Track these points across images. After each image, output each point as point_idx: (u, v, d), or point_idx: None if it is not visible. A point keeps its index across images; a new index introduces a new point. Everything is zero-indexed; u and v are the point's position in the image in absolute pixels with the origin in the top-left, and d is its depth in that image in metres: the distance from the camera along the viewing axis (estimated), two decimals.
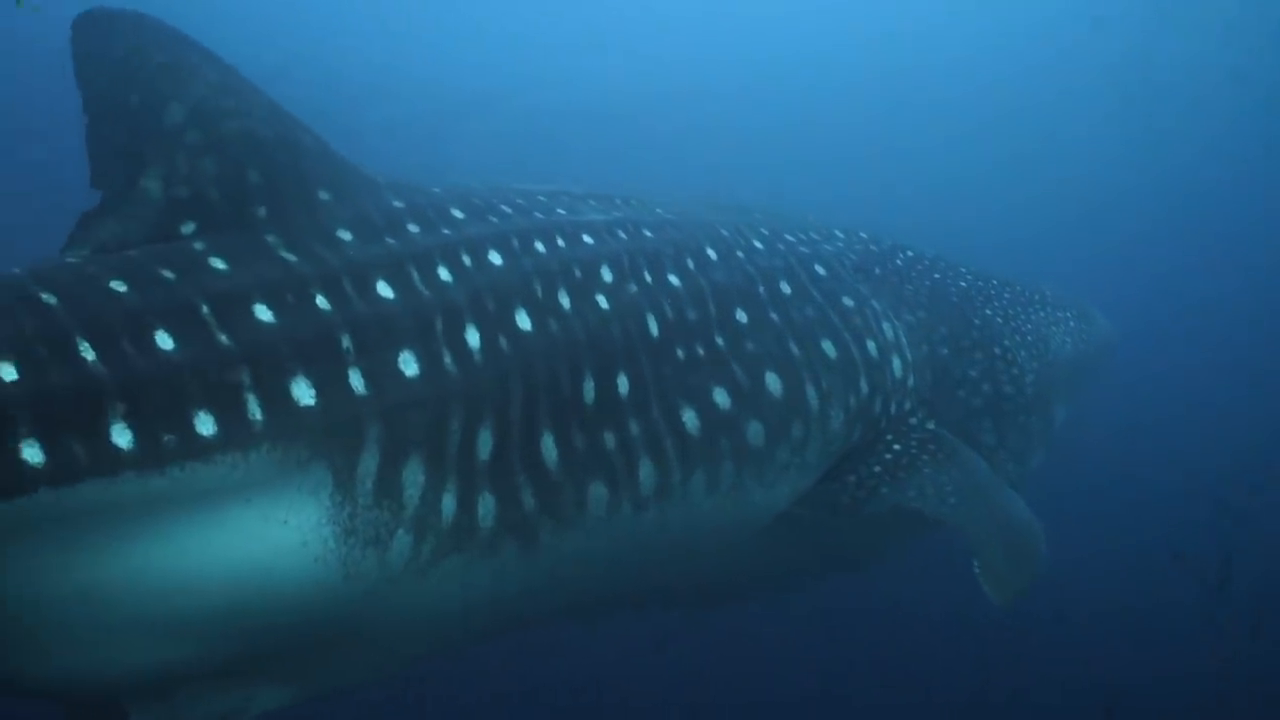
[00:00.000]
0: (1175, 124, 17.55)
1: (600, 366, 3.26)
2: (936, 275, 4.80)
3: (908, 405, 4.22)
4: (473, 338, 3.02)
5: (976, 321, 4.68)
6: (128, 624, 2.55)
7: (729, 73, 18.27)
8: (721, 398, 3.49)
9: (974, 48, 18.44)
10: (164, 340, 2.50)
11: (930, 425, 4.23)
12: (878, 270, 4.55)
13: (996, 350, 4.65)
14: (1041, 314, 5.19)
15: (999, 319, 4.84)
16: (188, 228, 2.83)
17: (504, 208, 3.45)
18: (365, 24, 15.98)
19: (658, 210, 3.99)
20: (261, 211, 2.91)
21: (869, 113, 18.08)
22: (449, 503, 2.89)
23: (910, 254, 4.84)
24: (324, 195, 3.04)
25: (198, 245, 2.78)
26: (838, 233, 4.66)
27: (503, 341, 3.06)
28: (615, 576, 3.50)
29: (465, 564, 2.96)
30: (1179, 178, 17.50)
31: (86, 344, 2.39)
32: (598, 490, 3.16)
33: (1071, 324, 5.38)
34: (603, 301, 3.37)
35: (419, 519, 2.84)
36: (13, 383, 2.25)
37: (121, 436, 2.35)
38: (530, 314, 3.18)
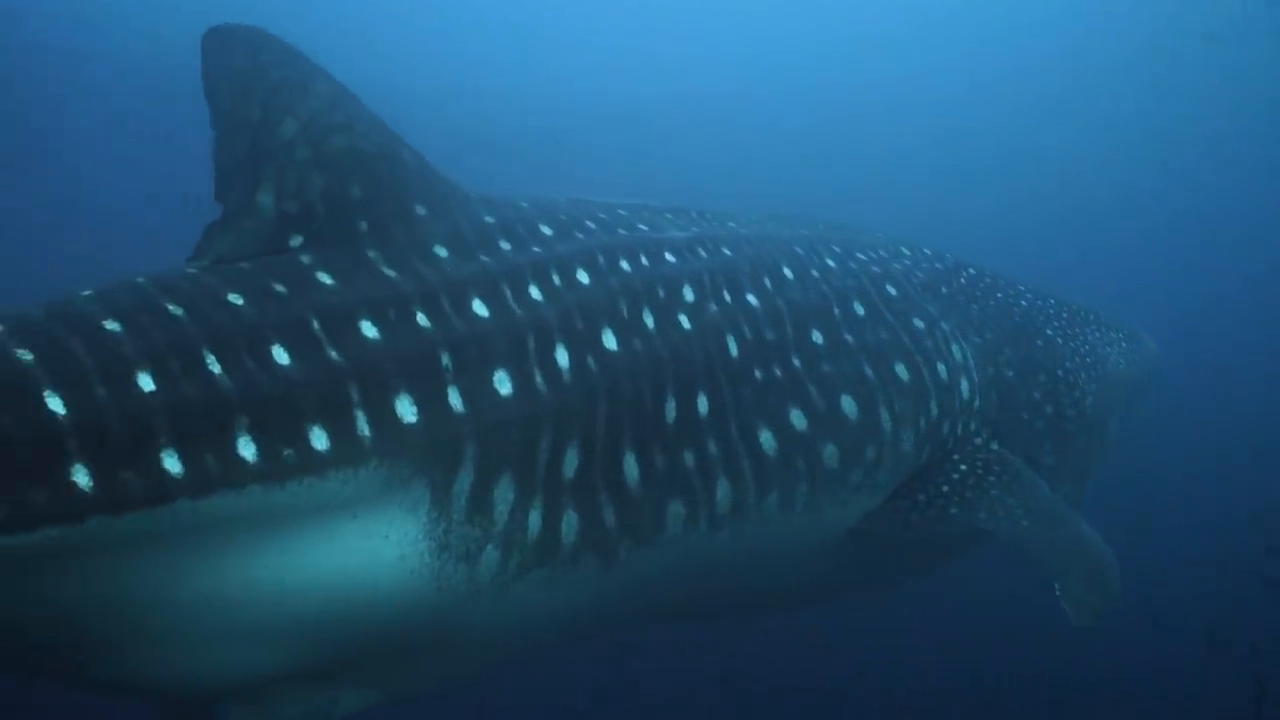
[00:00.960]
0: None
1: (681, 386, 3.32)
2: (999, 295, 4.82)
3: (973, 426, 4.26)
4: (562, 357, 3.09)
5: (1039, 343, 4.72)
6: (235, 629, 2.64)
7: (728, 73, 18.30)
8: (798, 419, 3.55)
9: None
10: (280, 355, 2.59)
11: (994, 446, 4.27)
12: (944, 289, 4.58)
13: (1059, 373, 4.68)
14: (1097, 334, 5.21)
15: (1059, 340, 4.87)
16: (295, 241, 2.92)
17: (589, 223, 3.51)
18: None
19: (732, 225, 4.05)
20: (363, 225, 2.99)
21: (877, 114, 18.11)
22: (535, 519, 2.97)
23: (972, 271, 4.87)
24: (420, 210, 3.12)
25: (305, 259, 2.87)
26: (904, 250, 4.69)
27: (590, 361, 3.13)
28: (686, 589, 3.56)
29: (547, 578, 3.04)
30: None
31: (213, 357, 2.49)
32: (676, 509, 3.23)
33: (1124, 345, 5.39)
34: (685, 321, 3.43)
35: (507, 535, 2.92)
36: (151, 393, 2.35)
37: (247, 449, 2.45)
38: (616, 333, 3.24)
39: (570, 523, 3.03)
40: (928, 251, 4.82)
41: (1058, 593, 3.60)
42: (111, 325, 2.44)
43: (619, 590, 3.24)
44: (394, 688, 3.15)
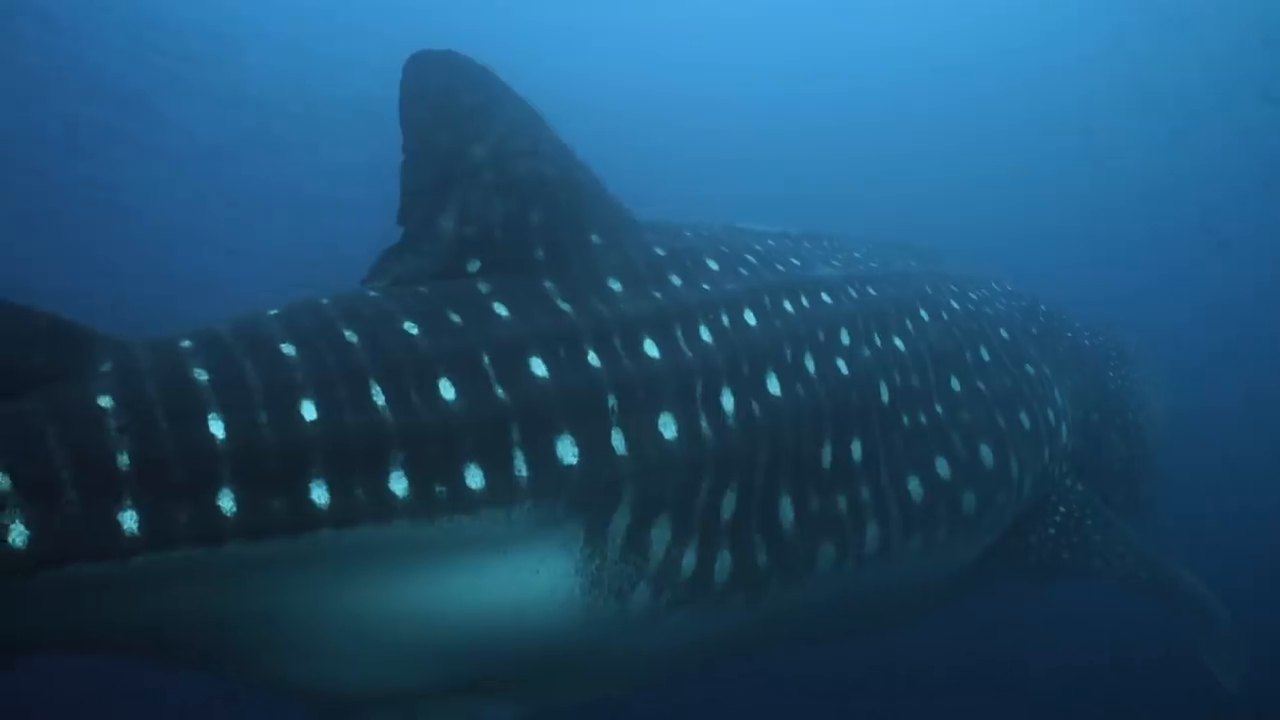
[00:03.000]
0: None
1: (838, 432, 3.34)
2: (1069, 334, 4.96)
3: (1065, 468, 4.39)
4: (728, 401, 3.07)
5: (1112, 388, 4.90)
6: (380, 648, 2.70)
7: (728, 79, 18.29)
8: (943, 468, 3.61)
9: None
10: (447, 390, 2.59)
11: (1080, 487, 4.41)
12: (1034, 330, 4.70)
13: (1129, 415, 4.87)
14: (1144, 372, 5.39)
15: (1122, 380, 5.05)
16: (473, 266, 2.91)
17: (749, 257, 3.51)
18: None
19: (858, 256, 4.09)
20: (540, 254, 2.97)
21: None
22: (689, 559, 2.98)
23: (1044, 309, 4.98)
24: (596, 239, 3.09)
25: (482, 287, 2.86)
26: (995, 286, 4.80)
27: (754, 406, 3.13)
28: (821, 621, 3.64)
29: (694, 613, 3.06)
30: None
31: (379, 388, 2.50)
32: (827, 550, 3.26)
33: (1162, 381, 5.60)
34: (842, 366, 3.45)
35: (660, 574, 2.93)
36: (312, 423, 2.38)
37: (399, 484, 2.47)
38: (780, 378, 3.24)
39: (724, 562, 3.04)
40: (1009, 287, 4.92)
41: (1207, 662, 3.93)
42: (287, 349, 2.48)
43: (760, 623, 3.28)
44: (533, 703, 3.19)
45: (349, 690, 2.85)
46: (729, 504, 3.05)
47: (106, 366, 2.33)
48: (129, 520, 2.18)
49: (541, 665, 2.95)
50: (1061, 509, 4.22)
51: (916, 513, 3.50)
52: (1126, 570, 4.08)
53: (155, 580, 2.26)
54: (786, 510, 3.17)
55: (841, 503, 3.30)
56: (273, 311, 2.66)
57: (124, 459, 2.20)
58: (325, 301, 2.71)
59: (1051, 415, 4.24)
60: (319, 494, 2.36)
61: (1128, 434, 4.83)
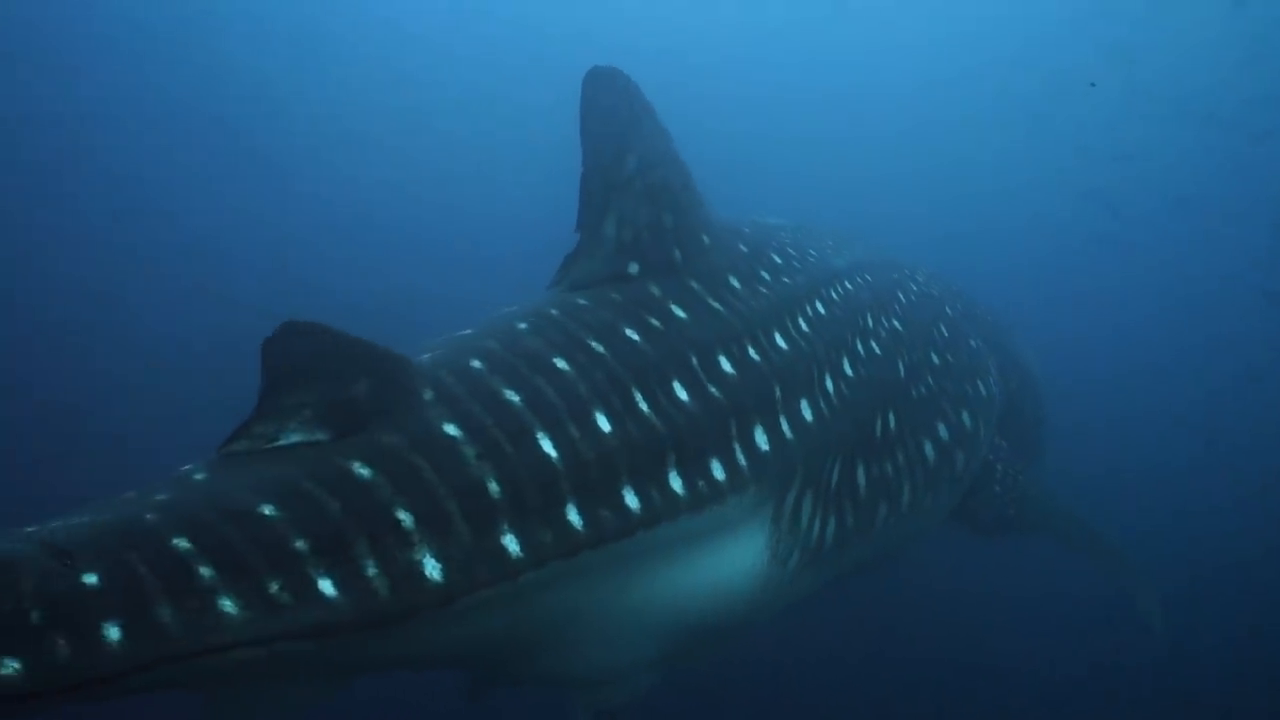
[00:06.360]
0: None
1: (883, 405, 3.82)
2: (978, 311, 5.59)
3: (994, 429, 4.96)
4: (829, 384, 3.49)
5: (1015, 356, 5.60)
6: (627, 633, 2.90)
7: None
8: (943, 432, 4.15)
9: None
10: (681, 391, 2.85)
11: (1004, 444, 5.02)
12: (961, 308, 5.26)
13: (1029, 379, 5.63)
14: (1021, 341, 6.17)
15: (1017, 348, 5.79)
16: (633, 268, 3.13)
17: (791, 251, 3.85)
18: None
19: (831, 245, 4.40)
20: (677, 255, 3.23)
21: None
22: (817, 525, 3.37)
23: (956, 288, 5.57)
24: (706, 239, 3.37)
25: (654, 290, 3.10)
26: (923, 270, 5.27)
27: (843, 386, 3.55)
28: (865, 562, 4.05)
29: (813, 570, 3.45)
30: None
31: (640, 395, 2.73)
32: (882, 509, 3.73)
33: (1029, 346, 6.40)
34: (875, 347, 3.92)
35: (804, 540, 3.31)
36: (609, 434, 2.59)
37: (676, 483, 2.72)
38: (850, 360, 3.68)
39: (830, 525, 3.45)
40: (929, 270, 5.46)
41: (1140, 611, 4.71)
42: (561, 364, 2.67)
43: (837, 571, 3.71)
44: (684, 666, 3.37)
45: (588, 674, 3.02)
46: (836, 475, 3.45)
47: (429, 395, 2.37)
48: (511, 544, 2.28)
49: (723, 631, 3.21)
50: (999, 467, 4.83)
51: (931, 472, 4.02)
52: (1056, 525, 4.86)
53: (515, 597, 2.33)
54: (861, 477, 3.60)
55: (889, 467, 3.77)
56: (522, 325, 2.76)
57: (494, 486, 2.29)
58: (554, 312, 2.85)
59: (993, 384, 4.85)
60: (631, 500, 2.56)
61: (1034, 395, 5.62)
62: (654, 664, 3.13)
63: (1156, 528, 8.05)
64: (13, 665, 1.68)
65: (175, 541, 1.93)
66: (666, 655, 3.11)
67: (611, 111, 3.15)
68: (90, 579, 1.82)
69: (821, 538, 3.39)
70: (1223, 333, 13.92)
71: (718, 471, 2.84)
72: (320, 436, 2.21)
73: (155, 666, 1.82)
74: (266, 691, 2.27)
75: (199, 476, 2.14)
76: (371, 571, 2.07)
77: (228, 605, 1.91)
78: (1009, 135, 17.95)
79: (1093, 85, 15.52)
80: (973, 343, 4.89)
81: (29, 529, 1.93)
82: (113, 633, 1.79)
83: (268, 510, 2.04)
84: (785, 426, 3.15)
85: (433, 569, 2.14)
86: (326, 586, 2.01)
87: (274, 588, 1.96)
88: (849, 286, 4.01)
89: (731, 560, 3.01)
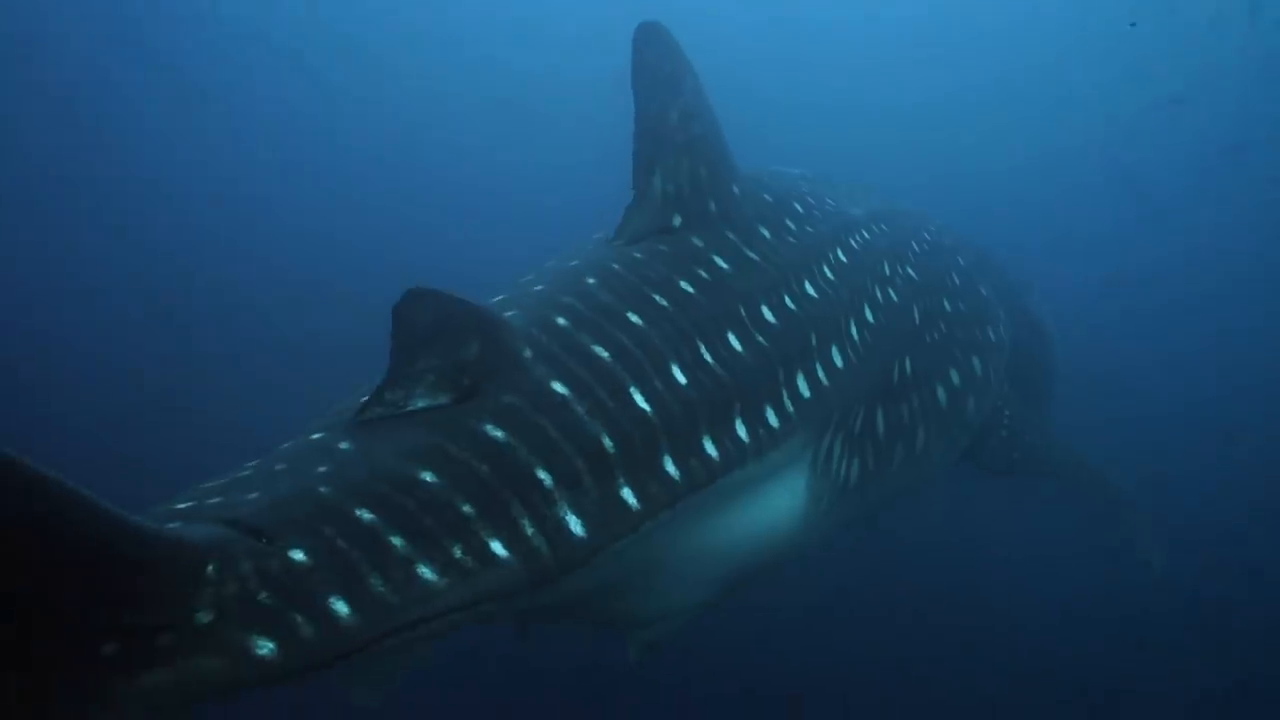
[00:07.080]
0: None
1: (900, 351, 3.92)
2: (991, 262, 5.66)
3: (1004, 375, 5.09)
4: (854, 331, 3.58)
5: (1022, 303, 5.68)
6: (686, 574, 3.00)
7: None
8: (955, 378, 4.26)
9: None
10: (735, 343, 2.94)
11: (1007, 388, 5.12)
12: (972, 257, 5.32)
13: (1045, 336, 5.81)
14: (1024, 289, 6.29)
15: (1023, 295, 5.88)
16: (676, 220, 3.21)
17: (811, 200, 3.91)
18: None
19: (843, 192, 4.48)
20: (712, 206, 3.29)
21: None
22: (843, 467, 3.47)
23: (965, 239, 5.60)
24: (735, 189, 3.44)
25: (698, 241, 3.18)
26: (930, 215, 5.34)
27: (866, 334, 3.64)
28: (885, 501, 4.16)
29: (838, 510, 3.55)
30: None
31: (704, 347, 2.83)
32: (899, 450, 3.85)
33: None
34: (893, 295, 4.00)
35: (832, 481, 3.42)
36: (684, 387, 2.68)
37: (742, 430, 2.82)
38: (870, 308, 3.77)
39: (854, 467, 3.55)
40: (940, 221, 5.50)
41: (1141, 551, 4.94)
42: (634, 318, 2.74)
43: (856, 512, 3.79)
44: (713, 605, 3.48)
45: (646, 616, 3.12)
46: (860, 420, 3.55)
47: (528, 353, 2.44)
48: (630, 497, 2.38)
49: (763, 571, 3.34)
50: (1007, 412, 4.94)
51: (944, 416, 4.13)
52: (1060, 469, 4.99)
53: (631, 548, 2.41)
54: (880, 421, 3.71)
55: (905, 411, 3.87)
56: (590, 280, 2.84)
57: (608, 441, 2.38)
58: (616, 267, 2.93)
59: (1002, 329, 4.95)
60: (710, 449, 2.66)
61: (1044, 345, 5.76)
62: (702, 603, 3.24)
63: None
64: (267, 646, 1.71)
65: (359, 513, 1.97)
66: (714, 595, 3.22)
67: (658, 67, 3.22)
68: (298, 555, 1.84)
69: (847, 479, 3.50)
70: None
71: (773, 419, 2.94)
72: (442, 400, 2.27)
73: (384, 638, 1.87)
74: (394, 660, 2.27)
75: (344, 445, 2.18)
76: (530, 531, 2.15)
77: (427, 573, 1.97)
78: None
79: (1133, 25, 15.27)
80: (983, 290, 4.98)
81: (204, 506, 1.93)
82: (340, 607, 1.82)
83: (428, 477, 2.09)
84: (821, 373, 3.25)
85: (576, 525, 2.23)
86: (498, 548, 2.09)
87: (458, 553, 2.03)
88: (866, 235, 4.09)
89: (777, 504, 3.13)
